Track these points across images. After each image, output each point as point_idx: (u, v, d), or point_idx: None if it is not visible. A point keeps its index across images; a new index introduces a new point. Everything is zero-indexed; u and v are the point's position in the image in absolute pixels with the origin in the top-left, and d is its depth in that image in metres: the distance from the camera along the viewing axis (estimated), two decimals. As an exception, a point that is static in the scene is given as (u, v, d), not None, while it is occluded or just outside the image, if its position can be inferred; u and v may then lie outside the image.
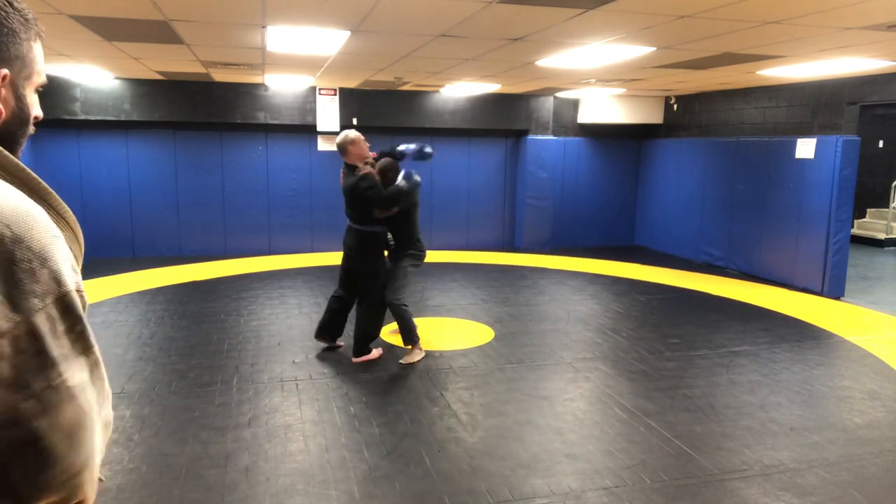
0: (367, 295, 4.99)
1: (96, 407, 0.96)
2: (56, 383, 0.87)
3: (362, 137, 4.94)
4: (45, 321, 0.86)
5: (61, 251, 0.91)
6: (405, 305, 5.00)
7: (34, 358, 0.85)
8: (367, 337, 5.03)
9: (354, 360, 5.00)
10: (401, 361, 4.99)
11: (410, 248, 5.07)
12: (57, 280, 0.88)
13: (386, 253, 5.12)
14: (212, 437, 3.71)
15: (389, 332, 5.62)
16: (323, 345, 5.30)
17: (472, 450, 3.62)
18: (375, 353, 5.09)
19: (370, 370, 4.84)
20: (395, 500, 3.09)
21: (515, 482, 3.27)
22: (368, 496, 3.12)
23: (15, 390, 0.84)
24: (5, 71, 0.96)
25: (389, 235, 5.08)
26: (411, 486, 3.22)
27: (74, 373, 0.90)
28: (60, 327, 0.89)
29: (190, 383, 4.52)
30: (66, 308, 0.89)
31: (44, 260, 0.87)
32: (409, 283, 5.12)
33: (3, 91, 0.97)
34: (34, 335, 0.85)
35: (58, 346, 0.88)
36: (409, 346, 5.08)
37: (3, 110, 0.97)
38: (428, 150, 5.02)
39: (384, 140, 9.57)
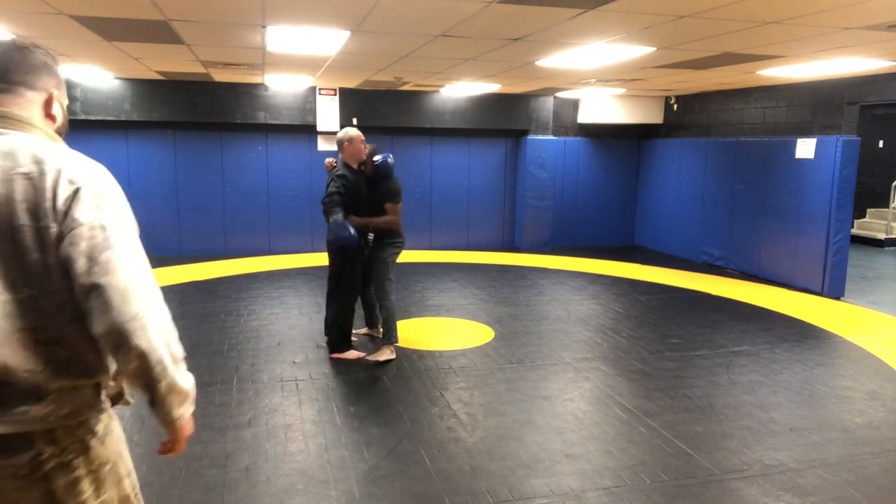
0: (337, 288, 5.02)
1: (152, 281, 1.42)
2: (122, 244, 1.38)
3: (362, 138, 4.98)
4: (121, 222, 1.41)
5: (120, 190, 1.47)
6: (391, 301, 5.01)
7: (103, 241, 1.35)
8: (338, 332, 5.04)
9: (330, 355, 5.07)
10: (367, 358, 4.98)
11: (388, 239, 5.05)
12: (125, 206, 1.45)
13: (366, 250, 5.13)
14: (212, 437, 3.71)
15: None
16: (324, 344, 5.31)
17: (472, 450, 3.62)
18: (353, 354, 5.08)
19: (370, 370, 4.84)
20: (395, 500, 3.09)
21: (515, 482, 3.27)
22: (368, 496, 3.12)
23: (96, 259, 1.34)
24: (58, 91, 1.55)
25: (371, 236, 5.06)
26: (411, 486, 3.22)
27: (132, 253, 1.40)
28: (125, 229, 1.41)
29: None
30: (126, 217, 1.43)
31: (116, 190, 1.44)
32: (394, 274, 5.12)
33: (60, 105, 1.56)
34: (106, 230, 1.36)
35: (121, 238, 1.38)
36: (384, 344, 5.06)
37: (59, 118, 1.56)
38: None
39: (384, 141, 9.59)
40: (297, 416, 4.02)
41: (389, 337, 5.03)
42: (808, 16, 4.13)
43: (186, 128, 9.24)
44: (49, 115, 1.53)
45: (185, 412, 1.48)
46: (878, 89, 7.02)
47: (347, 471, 3.35)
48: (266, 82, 8.86)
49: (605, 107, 10.24)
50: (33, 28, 5.01)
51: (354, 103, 9.45)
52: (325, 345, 5.27)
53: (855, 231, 11.50)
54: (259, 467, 3.38)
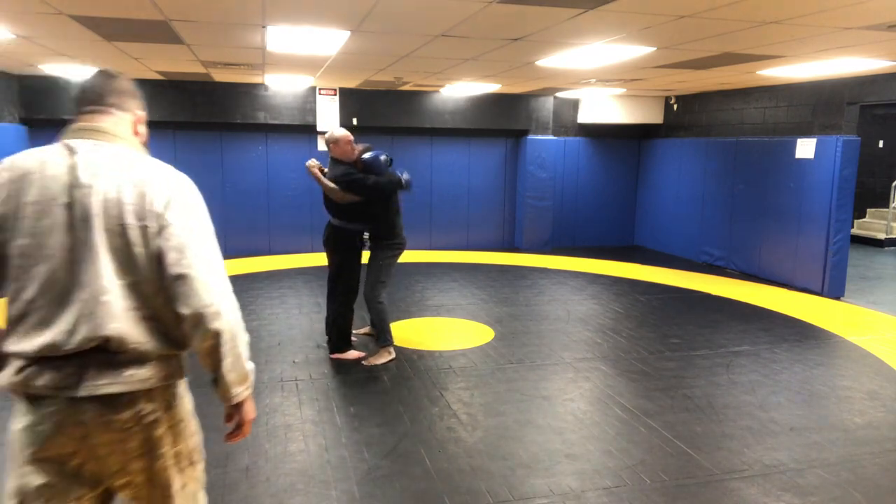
0: (336, 288, 4.99)
1: (225, 275, 1.75)
2: (201, 241, 1.71)
3: (348, 139, 4.92)
4: (203, 225, 1.74)
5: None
6: (382, 302, 4.97)
7: (190, 240, 1.68)
8: (338, 332, 5.02)
9: (330, 356, 5.07)
10: (364, 363, 4.95)
11: (387, 240, 4.99)
12: (205, 212, 1.78)
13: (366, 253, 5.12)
14: (212, 437, 3.70)
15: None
16: (325, 344, 5.30)
17: (472, 450, 3.62)
18: (353, 354, 5.07)
19: (370, 370, 4.84)
20: (395, 500, 3.09)
21: (515, 482, 3.27)
22: (368, 496, 3.12)
23: (184, 251, 1.66)
24: (141, 113, 1.89)
25: (366, 235, 5.02)
26: (411, 486, 3.22)
27: (211, 251, 1.73)
28: (206, 231, 1.74)
29: (189, 383, 4.51)
30: (206, 221, 1.76)
31: (199, 198, 1.77)
32: (389, 278, 5.04)
33: (143, 124, 1.90)
34: (192, 230, 1.69)
35: (203, 238, 1.72)
36: (380, 347, 5.05)
37: (143, 135, 1.89)
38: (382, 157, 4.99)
39: (384, 141, 9.60)
40: (297, 416, 4.02)
41: (384, 339, 5.03)
42: (808, 16, 4.13)
43: (186, 128, 9.24)
44: (136, 132, 1.86)
45: (242, 391, 1.80)
46: (878, 89, 7.02)
47: (347, 471, 3.35)
48: (266, 82, 8.86)
49: (605, 107, 10.24)
50: (33, 28, 5.01)
51: (354, 103, 9.45)
52: (325, 345, 5.27)
53: (855, 231, 11.49)
54: (259, 467, 3.38)
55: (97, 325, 1.62)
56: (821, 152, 7.51)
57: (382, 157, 4.92)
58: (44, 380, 1.63)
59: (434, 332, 5.89)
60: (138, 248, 1.66)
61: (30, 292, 1.63)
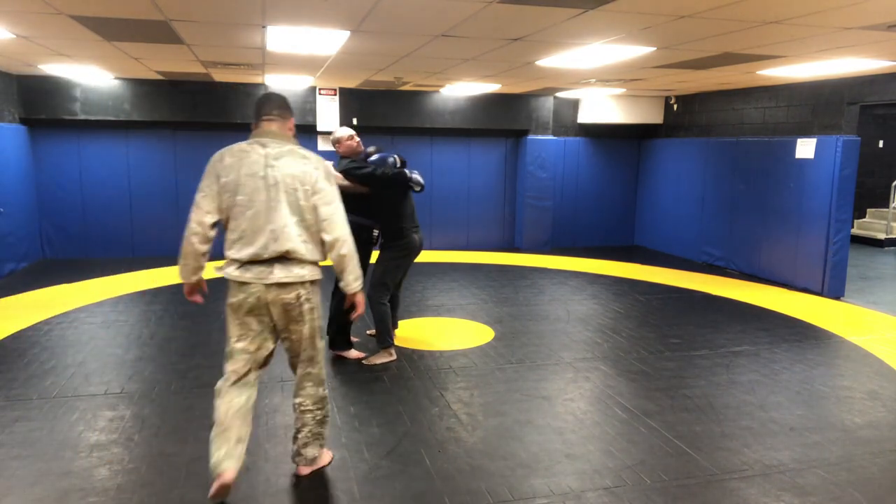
0: (338, 285, 4.97)
1: (346, 216, 3.08)
2: (337, 200, 3.03)
3: (349, 134, 4.94)
4: (336, 189, 3.06)
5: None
6: (384, 304, 4.95)
7: (331, 198, 3.00)
8: (337, 329, 5.00)
9: (334, 353, 5.07)
10: (364, 362, 4.96)
11: (393, 241, 4.95)
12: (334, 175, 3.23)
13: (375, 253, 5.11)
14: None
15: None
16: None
17: (472, 450, 3.61)
18: (354, 353, 5.07)
19: (370, 370, 4.84)
20: (395, 500, 3.09)
21: (515, 482, 3.27)
22: (368, 496, 3.12)
23: (329, 205, 2.99)
24: (293, 119, 3.17)
25: (376, 232, 5.01)
26: (411, 486, 3.22)
27: (340, 205, 3.06)
28: (337, 192, 3.05)
29: (190, 383, 4.52)
30: (336, 186, 3.09)
31: (332, 170, 3.47)
32: (393, 280, 5.01)
33: (293, 126, 3.16)
34: (331, 193, 3.01)
35: (336, 197, 3.03)
36: (381, 348, 5.05)
37: (293, 133, 3.13)
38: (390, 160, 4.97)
39: (384, 141, 9.59)
40: (297, 416, 4.01)
41: (384, 341, 5.02)
42: (808, 16, 4.13)
43: (186, 128, 9.24)
44: (291, 130, 3.07)
45: (357, 285, 3.05)
46: (878, 89, 7.02)
47: (347, 471, 3.35)
48: (266, 82, 8.86)
49: (604, 107, 10.24)
50: (33, 28, 5.01)
51: (354, 103, 9.45)
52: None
53: (855, 231, 11.50)
54: (259, 467, 3.38)
55: (280, 243, 2.88)
56: (821, 152, 7.52)
57: (391, 160, 4.92)
58: (250, 273, 2.90)
59: (434, 332, 5.89)
60: (303, 202, 2.91)
61: (243, 226, 2.89)
